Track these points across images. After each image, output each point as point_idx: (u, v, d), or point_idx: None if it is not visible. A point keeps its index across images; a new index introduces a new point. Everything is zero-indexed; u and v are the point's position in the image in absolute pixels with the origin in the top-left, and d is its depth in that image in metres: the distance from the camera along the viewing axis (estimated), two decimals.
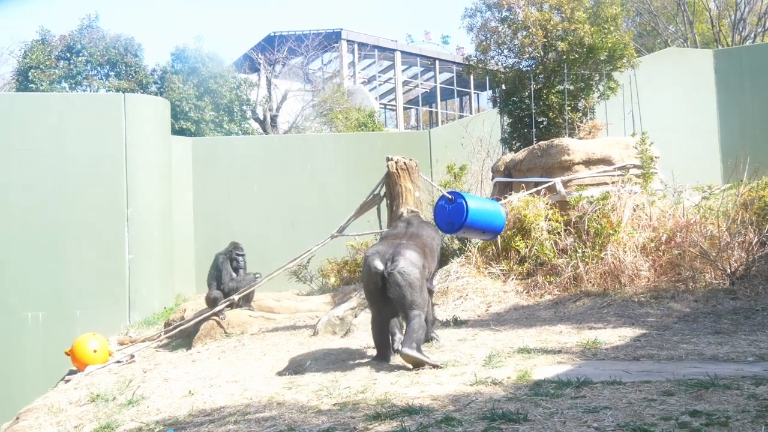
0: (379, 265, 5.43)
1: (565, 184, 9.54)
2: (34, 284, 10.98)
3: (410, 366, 5.13)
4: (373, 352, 5.90)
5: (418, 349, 5.16)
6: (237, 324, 8.29)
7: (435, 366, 5.06)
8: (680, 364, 4.77)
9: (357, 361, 5.61)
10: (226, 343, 7.65)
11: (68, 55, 18.91)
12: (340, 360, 5.77)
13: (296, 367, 5.72)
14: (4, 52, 27.30)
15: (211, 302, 8.57)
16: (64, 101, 12.12)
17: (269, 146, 14.27)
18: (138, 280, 11.41)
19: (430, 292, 6.00)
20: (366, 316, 7.21)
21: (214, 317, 8.36)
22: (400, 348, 5.26)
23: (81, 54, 18.88)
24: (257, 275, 8.83)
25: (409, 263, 5.42)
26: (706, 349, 5.32)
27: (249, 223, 13.03)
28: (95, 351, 7.85)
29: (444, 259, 8.81)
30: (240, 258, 8.93)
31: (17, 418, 6.25)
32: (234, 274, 8.85)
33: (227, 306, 8.45)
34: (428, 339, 6.04)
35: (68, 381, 7.36)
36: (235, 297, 8.37)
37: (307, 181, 13.54)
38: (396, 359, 5.45)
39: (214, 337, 8.15)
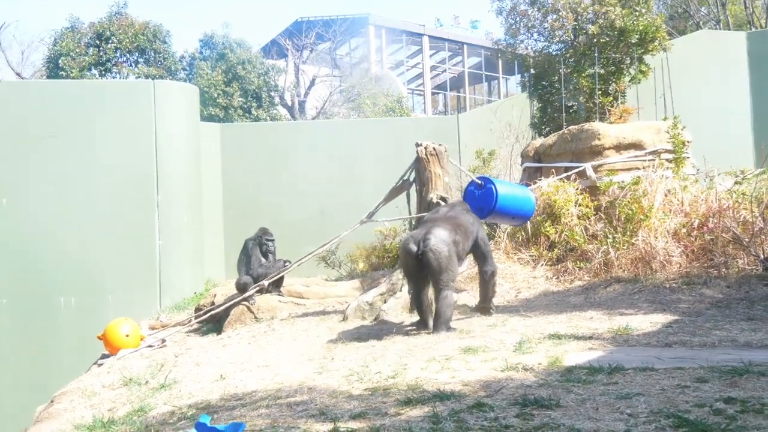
0: (413, 246, 6.11)
1: (595, 169, 9.46)
2: (67, 270, 11.13)
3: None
4: (402, 336, 6.03)
5: (447, 329, 6.00)
6: (267, 309, 8.33)
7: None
8: (713, 351, 4.73)
9: (387, 347, 5.61)
10: (256, 328, 7.69)
11: (98, 42, 19.07)
12: (370, 345, 5.78)
13: (326, 352, 5.75)
14: (34, 40, 27.59)
15: (241, 287, 8.63)
16: (94, 88, 12.22)
17: (297, 132, 14.29)
18: (168, 265, 11.52)
19: (493, 273, 6.81)
20: (395, 302, 7.24)
21: (244, 302, 8.42)
22: (432, 332, 6.05)
23: (110, 41, 19.04)
24: (287, 263, 8.86)
25: (439, 241, 6.10)
26: (740, 335, 5.26)
27: (278, 209, 13.08)
28: (127, 335, 7.93)
29: None
30: (269, 243, 8.97)
31: (52, 401, 6.35)
32: (263, 260, 8.89)
33: (257, 291, 8.50)
34: (488, 312, 6.90)
35: (101, 365, 7.45)
36: (265, 282, 8.41)
37: (335, 167, 13.54)
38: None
39: (245, 322, 8.19)
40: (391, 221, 8.75)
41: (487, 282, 6.81)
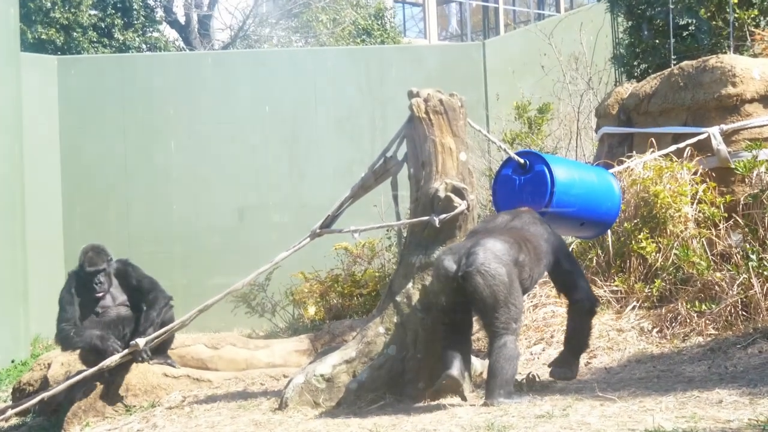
0: (451, 265, 6.47)
1: (727, 136, 9.52)
2: None
3: None
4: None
5: (508, 395, 6.38)
6: (143, 390, 8.31)
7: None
8: None
9: None
10: (123, 424, 7.67)
11: None
12: None
13: None
14: None
15: (90, 361, 8.52)
16: None
17: (197, 71, 14.25)
18: None
19: (591, 309, 7.26)
20: (373, 375, 7.23)
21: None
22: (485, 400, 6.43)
23: None
24: (165, 305, 8.77)
25: (492, 257, 6.42)
26: None
27: (163, 211, 13.04)
28: None
29: None
30: (96, 279, 8.72)
31: None
32: (75, 314, 8.69)
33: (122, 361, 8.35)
34: (562, 375, 7.21)
35: None
36: (141, 342, 8.29)
37: (265, 134, 13.53)
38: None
39: (103, 414, 8.16)
40: (365, 231, 8.72)
41: (581, 321, 7.25)
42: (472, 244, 6.56)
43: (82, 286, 8.71)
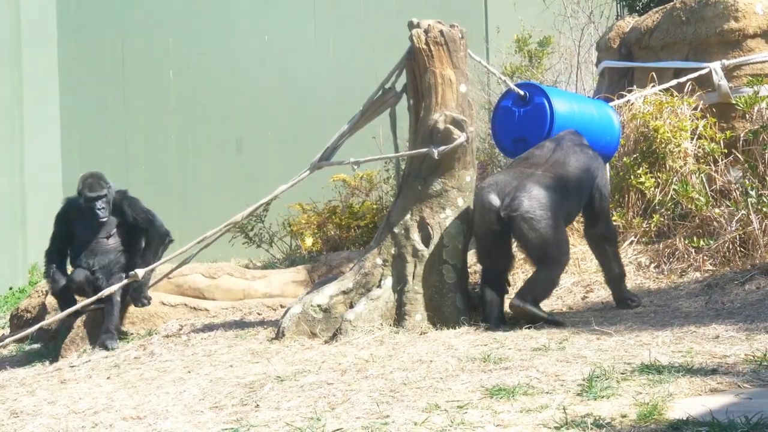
0: (495, 200, 6.99)
1: (729, 72, 9.48)
2: None
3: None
4: (382, 364, 6.04)
5: (534, 303, 6.96)
6: (140, 317, 8.30)
7: (557, 324, 6.91)
8: None
9: (354, 384, 5.59)
10: (121, 352, 7.66)
11: None
12: (324, 382, 5.76)
13: (246, 394, 5.75)
14: None
15: (56, 294, 8.54)
16: None
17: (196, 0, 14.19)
18: None
19: (608, 238, 7.74)
20: (369, 306, 7.22)
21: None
22: (512, 299, 7.04)
23: None
24: (161, 243, 8.71)
25: (537, 204, 6.93)
26: None
27: (160, 139, 13.00)
28: None
29: None
30: (98, 204, 8.66)
31: None
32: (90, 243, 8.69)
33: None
34: (624, 303, 7.74)
35: None
36: (140, 272, 8.24)
37: (264, 65, 13.47)
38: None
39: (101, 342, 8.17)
40: (364, 163, 8.69)
41: (604, 252, 7.75)
42: (517, 185, 6.99)
43: (79, 211, 8.65)
